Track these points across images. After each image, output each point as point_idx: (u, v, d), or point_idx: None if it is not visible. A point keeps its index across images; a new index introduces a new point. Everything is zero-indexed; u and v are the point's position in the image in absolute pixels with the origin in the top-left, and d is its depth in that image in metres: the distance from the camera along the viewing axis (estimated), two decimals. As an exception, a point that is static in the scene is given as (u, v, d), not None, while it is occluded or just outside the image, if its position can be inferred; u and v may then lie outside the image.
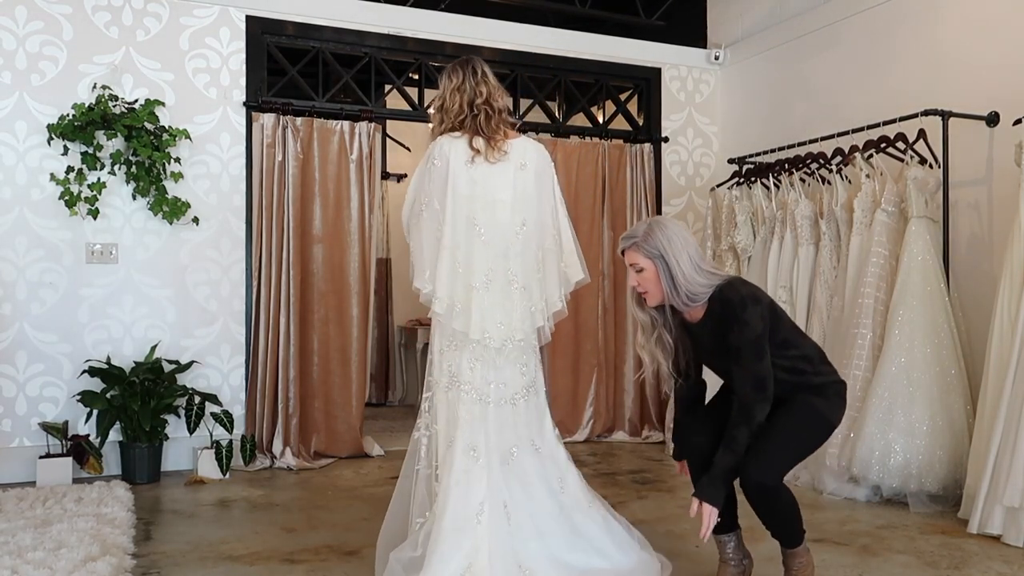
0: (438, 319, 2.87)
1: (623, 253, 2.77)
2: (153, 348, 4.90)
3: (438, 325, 2.88)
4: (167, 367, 4.86)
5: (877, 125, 4.71)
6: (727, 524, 2.85)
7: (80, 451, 4.64)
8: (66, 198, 4.73)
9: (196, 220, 5.09)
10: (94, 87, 4.87)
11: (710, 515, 2.60)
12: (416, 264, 2.88)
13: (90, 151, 4.80)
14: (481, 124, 2.87)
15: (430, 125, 3.00)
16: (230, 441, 4.87)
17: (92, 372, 4.70)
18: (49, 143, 4.78)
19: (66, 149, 4.81)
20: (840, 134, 4.94)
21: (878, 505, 4.17)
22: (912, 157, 4.54)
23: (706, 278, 2.70)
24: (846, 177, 4.90)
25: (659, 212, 6.32)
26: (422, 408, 2.93)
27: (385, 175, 7.76)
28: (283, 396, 5.18)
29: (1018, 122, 4.01)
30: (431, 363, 2.91)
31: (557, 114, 6.34)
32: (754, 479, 2.62)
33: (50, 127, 4.74)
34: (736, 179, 5.68)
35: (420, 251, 2.86)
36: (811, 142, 5.13)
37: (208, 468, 4.79)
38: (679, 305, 2.73)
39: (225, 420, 4.87)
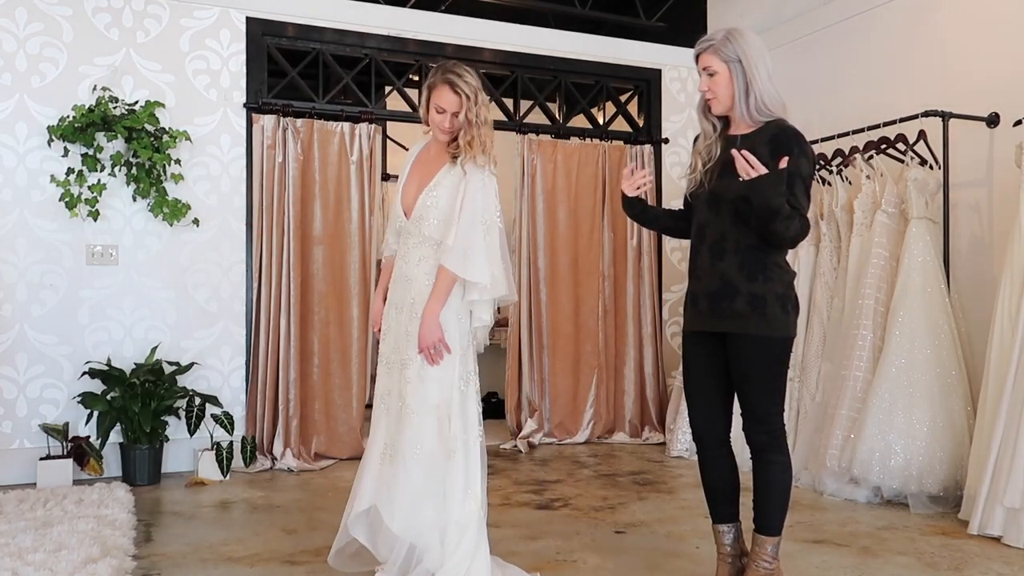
0: (484, 323, 2.94)
1: (697, 58, 2.78)
2: (153, 350, 4.90)
3: (458, 329, 2.87)
4: (167, 368, 4.86)
5: (877, 126, 4.71)
6: (728, 514, 2.84)
7: (80, 453, 4.64)
8: (66, 200, 4.73)
9: (196, 221, 5.09)
10: (94, 89, 4.87)
11: (751, 162, 2.52)
12: (488, 264, 2.85)
13: (90, 153, 4.80)
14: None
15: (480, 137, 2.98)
16: (230, 443, 4.87)
17: (92, 374, 4.70)
18: (49, 145, 4.79)
19: (66, 151, 4.82)
20: (840, 135, 4.94)
21: (878, 506, 4.17)
22: (912, 158, 4.54)
23: (777, 94, 2.73)
24: (846, 178, 4.90)
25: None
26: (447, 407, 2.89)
27: (385, 176, 7.74)
28: (283, 397, 5.18)
29: (1018, 123, 4.02)
30: (452, 364, 2.86)
31: (557, 115, 6.34)
32: (761, 430, 2.71)
33: (50, 129, 4.74)
34: (736, 180, 5.67)
35: (498, 258, 2.87)
36: (811, 143, 5.12)
37: (208, 470, 4.79)
38: (743, 112, 2.72)
39: (225, 421, 4.87)
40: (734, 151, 2.55)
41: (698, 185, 2.80)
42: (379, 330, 3.02)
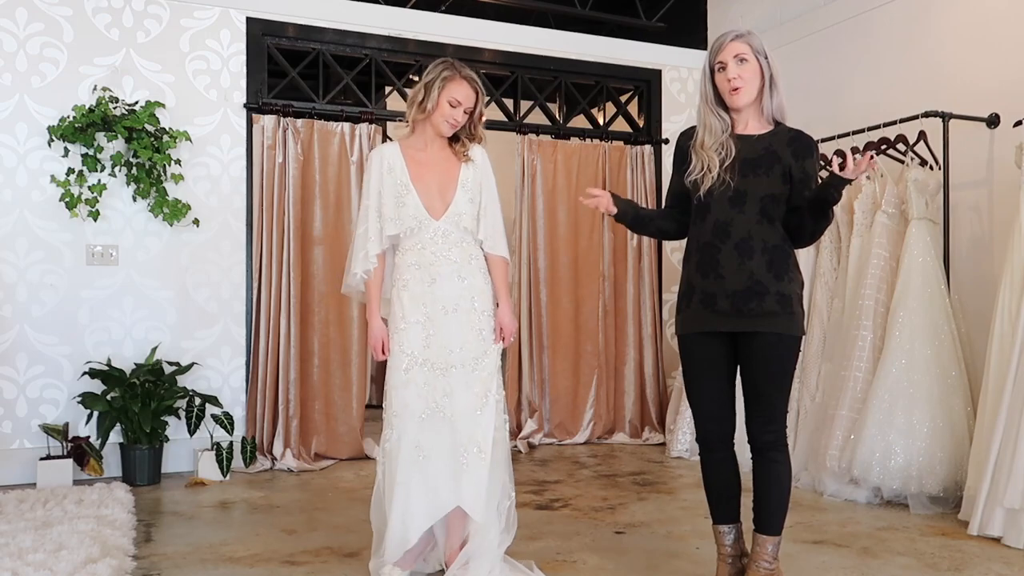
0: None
1: (723, 47, 2.76)
2: (154, 350, 4.90)
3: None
4: (167, 369, 4.86)
5: (877, 127, 4.71)
6: (730, 514, 2.84)
7: (80, 453, 4.64)
8: (67, 200, 4.73)
9: (196, 222, 5.09)
10: (95, 89, 4.88)
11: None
12: None
13: (91, 153, 4.80)
14: None
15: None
16: (230, 443, 4.87)
17: (92, 374, 4.70)
18: (50, 145, 4.79)
19: (67, 151, 4.82)
20: (840, 135, 4.94)
21: (878, 507, 4.17)
22: (912, 159, 4.54)
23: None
24: (846, 179, 4.90)
25: (659, 214, 6.31)
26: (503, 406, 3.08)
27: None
28: (283, 398, 5.18)
29: (1018, 124, 4.01)
30: (499, 363, 3.09)
31: (558, 116, 6.35)
32: (769, 429, 2.72)
33: (51, 129, 4.75)
34: (736, 181, 5.68)
35: None
36: (811, 144, 5.13)
37: (208, 470, 4.79)
38: (768, 107, 2.76)
39: (225, 422, 4.87)
40: (868, 155, 2.53)
41: (720, 183, 2.72)
42: (383, 350, 3.03)
